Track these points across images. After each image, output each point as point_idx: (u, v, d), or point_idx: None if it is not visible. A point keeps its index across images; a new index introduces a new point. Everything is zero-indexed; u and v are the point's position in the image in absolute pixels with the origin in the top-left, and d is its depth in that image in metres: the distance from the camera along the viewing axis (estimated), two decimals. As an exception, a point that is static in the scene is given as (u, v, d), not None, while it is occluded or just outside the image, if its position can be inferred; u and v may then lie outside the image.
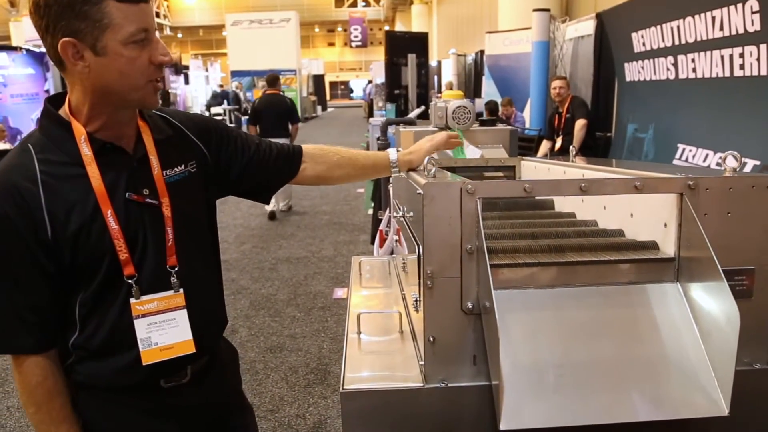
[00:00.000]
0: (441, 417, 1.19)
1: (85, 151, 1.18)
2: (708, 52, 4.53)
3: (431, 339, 1.17)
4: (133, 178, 1.23)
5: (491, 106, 8.65)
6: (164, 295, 1.26)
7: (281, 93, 8.22)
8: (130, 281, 1.22)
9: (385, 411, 1.18)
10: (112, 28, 1.10)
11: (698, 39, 4.64)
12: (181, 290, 1.27)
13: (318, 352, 4.01)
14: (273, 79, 8.24)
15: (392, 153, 1.55)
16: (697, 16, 4.60)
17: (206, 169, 1.38)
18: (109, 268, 1.20)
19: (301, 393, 3.49)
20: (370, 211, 7.13)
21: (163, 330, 1.25)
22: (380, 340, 1.44)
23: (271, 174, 1.50)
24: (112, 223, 1.18)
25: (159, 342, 1.24)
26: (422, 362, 1.22)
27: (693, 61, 4.81)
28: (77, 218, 1.17)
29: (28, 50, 11.10)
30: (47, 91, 11.10)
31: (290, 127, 7.89)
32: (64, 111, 1.22)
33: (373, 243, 5.60)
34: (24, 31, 21.06)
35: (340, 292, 5.13)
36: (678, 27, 4.94)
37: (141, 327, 1.23)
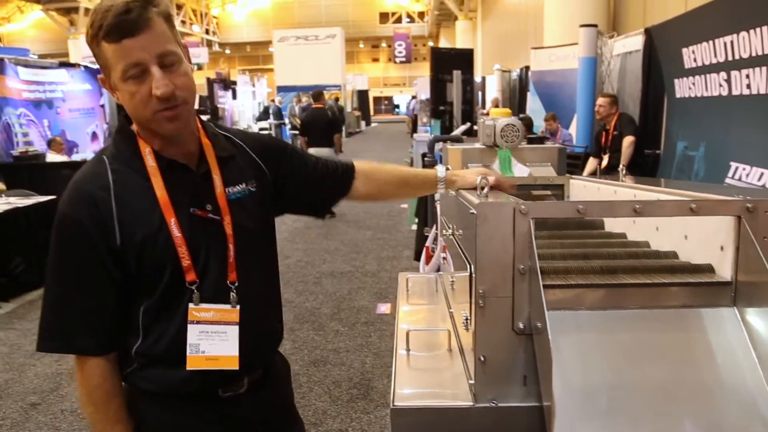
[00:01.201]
0: (491, 436, 1.19)
1: (150, 162, 1.25)
2: (764, 68, 4.40)
3: (482, 358, 1.18)
4: (197, 193, 1.29)
5: (527, 122, 8.57)
6: (221, 307, 1.29)
7: (325, 107, 8.88)
8: (191, 287, 1.26)
9: (434, 428, 1.19)
10: (112, 67, 1.17)
11: (753, 54, 4.52)
12: (238, 306, 1.30)
13: (361, 367, 4.02)
14: (317, 94, 9.10)
15: (440, 170, 1.57)
16: (752, 31, 4.48)
17: (266, 187, 1.42)
18: (172, 277, 1.25)
19: (343, 407, 3.51)
20: (414, 227, 7.14)
21: (212, 340, 1.28)
22: (429, 357, 1.45)
23: (325, 192, 1.55)
24: (175, 231, 1.23)
25: (206, 351, 1.28)
26: (472, 381, 1.22)
27: (747, 77, 4.69)
28: (144, 228, 1.23)
29: (85, 67, 11.56)
30: (102, 106, 11.52)
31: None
32: (135, 126, 1.29)
33: (416, 259, 5.60)
34: (81, 49, 21.93)
35: (383, 308, 5.14)
36: (732, 42, 4.82)
37: (193, 332, 1.27)
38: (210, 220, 1.28)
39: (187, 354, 1.26)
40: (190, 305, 1.26)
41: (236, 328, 1.30)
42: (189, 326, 1.27)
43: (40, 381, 3.94)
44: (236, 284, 1.31)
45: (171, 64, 1.19)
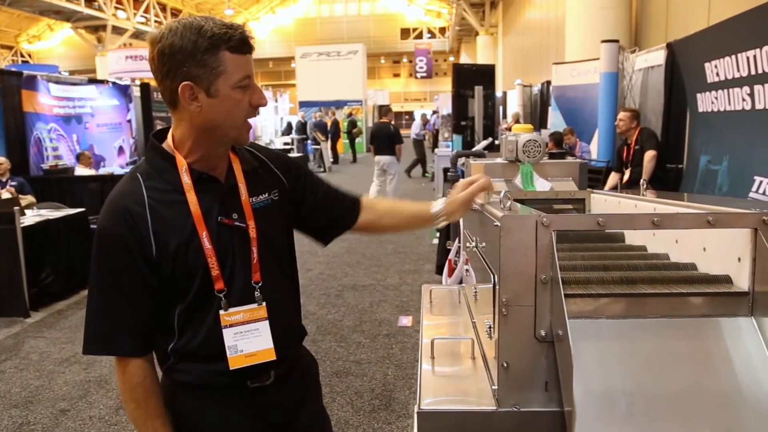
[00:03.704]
0: (513, 440, 1.23)
1: (186, 180, 1.35)
2: (786, 83, 4.41)
3: (505, 364, 1.22)
4: (225, 203, 1.39)
5: (556, 138, 8.61)
6: (249, 307, 1.40)
7: (389, 122, 10.63)
8: (219, 295, 1.37)
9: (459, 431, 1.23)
10: (225, 75, 1.28)
11: (776, 69, 4.52)
12: (264, 303, 1.42)
13: (383, 379, 4.06)
14: (385, 110, 11.17)
15: (435, 205, 1.62)
16: (774, 46, 4.49)
17: (286, 197, 1.53)
18: (202, 282, 1.36)
19: (366, 417, 3.55)
20: (435, 241, 7.17)
21: (247, 339, 1.39)
22: (453, 365, 1.50)
23: (335, 217, 1.65)
24: (206, 243, 1.35)
25: (244, 349, 1.39)
26: (495, 387, 1.26)
27: (771, 91, 4.68)
28: (177, 238, 1.34)
29: (114, 83, 11.83)
30: (129, 121, 11.77)
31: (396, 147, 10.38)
32: (167, 144, 1.39)
33: (438, 273, 5.64)
34: (108, 65, 22.42)
35: (404, 320, 5.18)
36: (754, 56, 4.83)
37: (229, 336, 1.38)
38: (236, 227, 1.39)
39: (228, 356, 1.38)
40: (221, 312, 1.38)
41: (267, 323, 1.41)
42: (224, 331, 1.38)
43: (69, 388, 4.04)
44: (260, 284, 1.42)
45: None
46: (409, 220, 1.68)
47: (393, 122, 10.85)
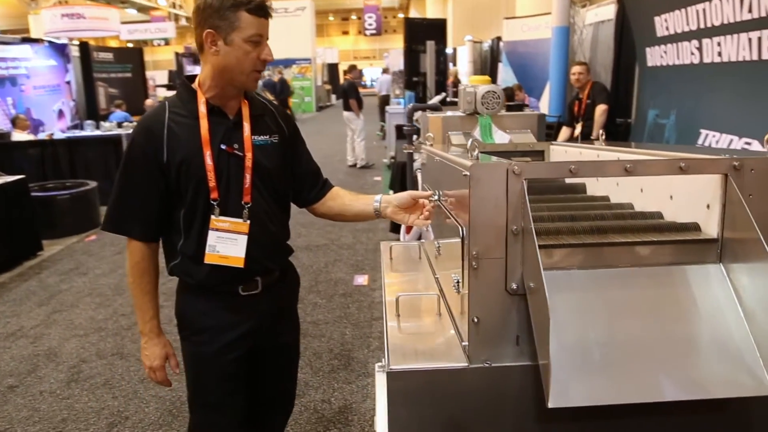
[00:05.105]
0: (484, 396, 1.20)
1: (202, 110, 1.69)
2: (735, 35, 4.45)
3: (475, 320, 1.19)
4: (228, 135, 1.71)
5: (508, 93, 8.62)
6: (235, 220, 1.71)
7: (349, 79, 11.26)
8: (213, 203, 1.69)
9: (430, 390, 1.20)
10: (240, 29, 1.61)
11: (725, 22, 4.56)
12: (249, 221, 1.72)
13: (341, 338, 4.04)
14: (349, 68, 11.71)
15: (377, 198, 1.83)
16: (723, -1, 4.52)
17: (285, 143, 1.84)
18: (201, 189, 1.68)
19: (325, 378, 3.53)
20: (390, 199, 7.13)
21: (225, 244, 1.71)
22: (419, 322, 1.46)
23: (310, 183, 1.93)
24: (208, 160, 1.67)
25: (220, 251, 1.71)
26: (465, 343, 1.23)
27: (719, 44, 4.73)
28: (184, 152, 1.66)
29: (50, 42, 11.19)
30: (68, 83, 11.20)
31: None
32: (194, 84, 1.72)
33: (392, 231, 5.61)
34: (43, 24, 21.18)
35: (360, 279, 5.15)
36: (704, 10, 4.86)
37: (212, 237, 1.71)
38: (234, 155, 1.71)
39: (206, 252, 1.71)
40: (212, 216, 1.69)
41: (245, 237, 1.71)
42: (209, 232, 1.70)
43: (16, 363, 3.88)
44: (249, 205, 1.72)
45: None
46: (358, 202, 1.91)
47: (356, 80, 11.76)
